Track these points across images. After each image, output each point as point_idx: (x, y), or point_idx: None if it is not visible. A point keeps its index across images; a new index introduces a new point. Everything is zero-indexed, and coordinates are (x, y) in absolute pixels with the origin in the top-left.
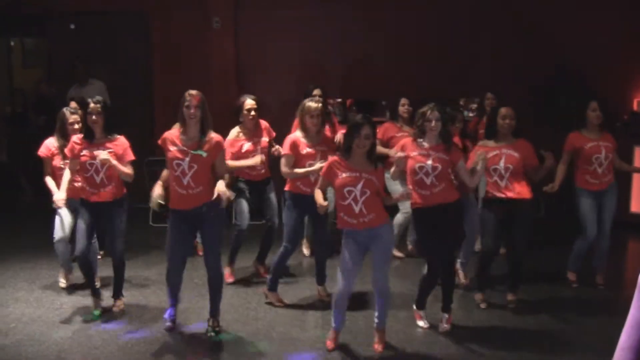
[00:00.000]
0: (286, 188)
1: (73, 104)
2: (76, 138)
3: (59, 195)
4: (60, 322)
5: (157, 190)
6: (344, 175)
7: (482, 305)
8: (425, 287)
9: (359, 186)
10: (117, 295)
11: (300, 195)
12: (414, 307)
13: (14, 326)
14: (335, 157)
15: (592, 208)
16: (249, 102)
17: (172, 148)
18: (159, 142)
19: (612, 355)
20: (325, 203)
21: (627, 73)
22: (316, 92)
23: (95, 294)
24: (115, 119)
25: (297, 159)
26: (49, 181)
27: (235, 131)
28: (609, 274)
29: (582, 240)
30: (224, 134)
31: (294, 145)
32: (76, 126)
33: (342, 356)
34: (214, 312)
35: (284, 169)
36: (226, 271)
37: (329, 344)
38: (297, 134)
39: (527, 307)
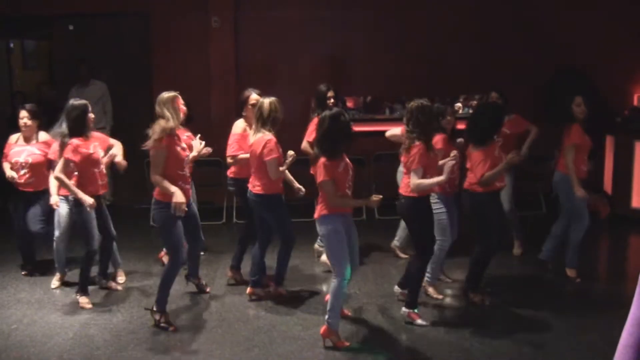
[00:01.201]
0: (267, 192)
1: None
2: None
3: (55, 199)
4: (61, 324)
5: (181, 195)
6: (342, 165)
7: (487, 302)
8: (421, 281)
9: (351, 172)
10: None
11: (282, 195)
12: (409, 308)
13: (16, 327)
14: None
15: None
16: (254, 97)
17: (179, 148)
18: (165, 144)
19: (614, 353)
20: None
21: (627, 69)
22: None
23: (86, 291)
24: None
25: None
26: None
27: (241, 126)
28: (610, 270)
29: (579, 230)
30: (224, 132)
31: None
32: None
33: (342, 354)
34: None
35: (277, 172)
36: None
37: (345, 343)
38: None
39: (528, 304)
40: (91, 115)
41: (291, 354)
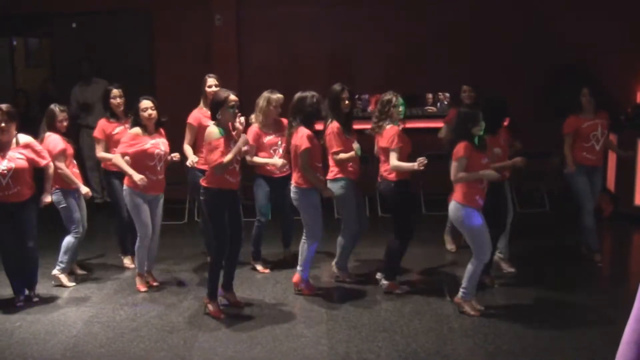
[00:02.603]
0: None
1: None
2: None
3: (85, 189)
4: (65, 321)
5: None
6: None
7: (496, 285)
8: (400, 257)
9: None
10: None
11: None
12: (388, 280)
13: (19, 325)
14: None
15: (586, 184)
16: (233, 97)
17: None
18: (195, 123)
19: (614, 352)
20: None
21: (630, 66)
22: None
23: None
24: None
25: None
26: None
27: (217, 132)
28: (612, 268)
29: (586, 215)
30: None
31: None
32: (65, 123)
33: (345, 351)
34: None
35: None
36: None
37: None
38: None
39: (529, 300)
40: (114, 101)
41: (294, 351)
